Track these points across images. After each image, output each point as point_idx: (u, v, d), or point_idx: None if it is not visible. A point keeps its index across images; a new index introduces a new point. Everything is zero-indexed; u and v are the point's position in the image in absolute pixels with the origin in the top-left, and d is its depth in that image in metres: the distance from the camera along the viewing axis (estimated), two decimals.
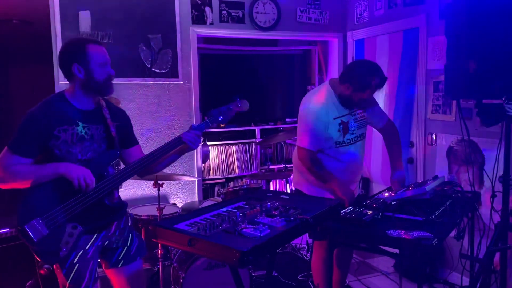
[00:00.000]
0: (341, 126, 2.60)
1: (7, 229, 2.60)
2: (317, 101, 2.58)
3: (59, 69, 3.82)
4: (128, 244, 2.19)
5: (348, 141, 2.65)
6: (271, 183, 5.03)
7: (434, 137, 3.65)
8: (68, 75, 1.99)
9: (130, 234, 2.21)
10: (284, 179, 5.05)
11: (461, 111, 2.86)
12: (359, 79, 2.48)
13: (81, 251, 1.98)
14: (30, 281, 2.37)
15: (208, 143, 4.76)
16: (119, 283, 2.20)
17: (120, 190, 2.23)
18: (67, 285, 1.98)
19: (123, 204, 2.19)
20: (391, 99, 4.10)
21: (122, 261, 2.17)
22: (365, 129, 2.79)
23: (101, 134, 2.05)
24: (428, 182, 2.59)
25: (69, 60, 1.95)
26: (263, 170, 5.03)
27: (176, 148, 2.09)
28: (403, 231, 2.05)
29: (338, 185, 2.56)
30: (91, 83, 1.96)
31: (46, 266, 2.36)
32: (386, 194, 2.53)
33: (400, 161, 2.83)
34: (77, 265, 1.97)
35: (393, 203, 2.40)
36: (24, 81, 7.59)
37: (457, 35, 2.56)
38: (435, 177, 2.77)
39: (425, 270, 3.39)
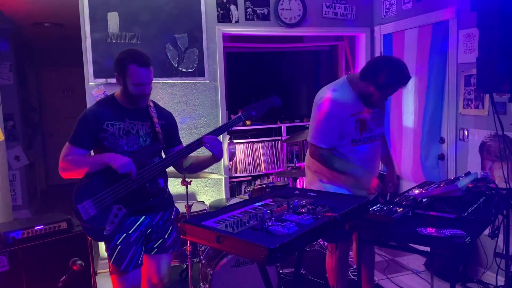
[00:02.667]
0: (358, 123, 2.49)
1: (42, 226, 2.68)
2: (333, 96, 2.45)
3: (89, 70, 3.93)
4: (166, 236, 2.35)
5: (365, 139, 2.55)
6: (297, 180, 5.00)
7: (466, 133, 3.55)
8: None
9: (171, 227, 2.38)
10: None
11: (495, 105, 2.77)
12: (382, 78, 2.34)
13: (125, 234, 2.18)
14: (64, 277, 2.43)
15: (235, 141, 4.78)
16: (147, 269, 2.36)
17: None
18: (110, 264, 2.21)
19: (166, 194, 2.37)
20: (421, 94, 4.01)
21: (156, 249, 2.34)
22: (383, 128, 2.69)
23: (146, 130, 2.25)
24: (460, 178, 2.52)
25: (114, 69, 2.21)
26: (289, 168, 5.01)
27: (197, 148, 2.21)
28: (434, 229, 2.01)
29: (360, 175, 2.46)
30: (126, 93, 2.20)
31: (79, 262, 2.43)
32: (417, 191, 2.48)
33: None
34: (119, 246, 2.17)
35: (423, 200, 2.35)
36: (55, 82, 7.81)
37: (489, 27, 2.48)
38: (468, 174, 2.70)
39: (457, 269, 3.31)
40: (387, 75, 2.34)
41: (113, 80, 3.77)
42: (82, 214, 2.09)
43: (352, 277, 3.34)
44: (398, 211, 2.21)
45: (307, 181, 2.78)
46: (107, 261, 2.27)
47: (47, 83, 7.81)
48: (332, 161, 2.49)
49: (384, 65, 2.40)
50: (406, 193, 2.58)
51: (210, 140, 2.15)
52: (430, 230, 2.00)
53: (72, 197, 2.12)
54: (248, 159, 4.92)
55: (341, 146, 2.52)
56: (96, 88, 3.81)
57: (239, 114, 2.25)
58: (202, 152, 2.36)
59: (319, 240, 4.19)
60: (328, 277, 2.87)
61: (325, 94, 2.50)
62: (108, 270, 2.30)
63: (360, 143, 2.53)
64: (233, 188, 4.87)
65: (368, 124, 2.53)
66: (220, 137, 4.16)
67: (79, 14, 3.77)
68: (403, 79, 2.38)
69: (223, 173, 4.26)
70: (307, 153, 2.72)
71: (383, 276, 3.59)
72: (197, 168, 2.40)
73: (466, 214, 2.18)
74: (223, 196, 4.33)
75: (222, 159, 4.27)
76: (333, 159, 2.50)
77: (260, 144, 4.97)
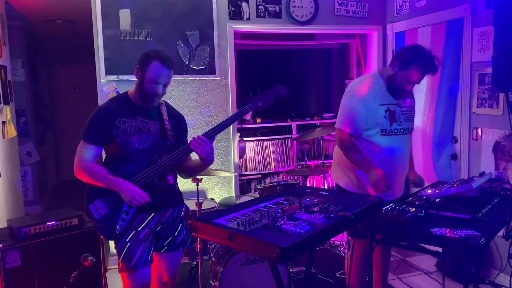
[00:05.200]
0: (387, 113, 2.54)
1: (54, 222, 2.69)
2: (364, 85, 2.56)
3: (101, 67, 3.93)
4: (176, 234, 2.35)
5: (396, 131, 2.58)
6: (308, 179, 4.99)
7: (480, 132, 3.50)
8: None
9: (180, 224, 2.37)
10: (322, 175, 4.99)
11: (510, 104, 2.73)
12: (404, 54, 2.50)
13: (134, 232, 2.18)
14: (75, 273, 2.44)
15: (245, 138, 4.77)
16: (157, 266, 2.36)
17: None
18: (120, 262, 2.20)
19: (176, 190, 2.38)
20: (433, 93, 3.96)
21: (166, 247, 2.33)
22: (412, 124, 2.72)
23: (156, 129, 2.25)
24: (475, 178, 2.49)
25: (138, 61, 2.20)
26: (299, 166, 5.00)
27: (189, 152, 2.20)
28: (448, 229, 1.98)
29: (369, 170, 2.47)
30: (140, 88, 2.20)
31: (90, 258, 2.43)
32: (429, 191, 2.45)
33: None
34: (129, 244, 2.17)
35: (437, 200, 2.32)
36: (66, 79, 7.86)
37: (506, 24, 2.45)
38: (482, 174, 2.66)
39: (470, 270, 3.27)
40: (408, 51, 2.51)
41: (125, 77, 3.79)
42: (93, 214, 2.12)
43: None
44: (411, 211, 2.19)
45: (335, 176, 2.80)
46: (117, 257, 2.27)
47: (58, 80, 7.86)
48: (348, 148, 2.55)
49: (408, 45, 2.64)
50: (419, 193, 2.55)
51: (197, 140, 2.12)
52: (444, 231, 1.98)
53: (83, 197, 2.14)
54: (258, 157, 4.91)
55: (371, 135, 2.55)
56: (107, 85, 3.82)
57: (250, 116, 2.25)
58: None
59: (330, 240, 4.17)
60: (346, 277, 2.84)
61: (356, 83, 2.62)
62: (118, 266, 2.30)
63: (390, 133, 2.57)
64: (243, 186, 4.86)
65: (397, 116, 2.58)
66: (230, 134, 4.20)
67: (91, 11, 3.79)
68: (422, 57, 2.46)
69: (233, 171, 4.26)
70: (336, 147, 2.79)
71: (393, 276, 3.55)
72: (192, 171, 2.40)
73: (480, 214, 2.15)
74: (233, 194, 4.33)
75: (232, 157, 4.27)
76: (351, 146, 2.55)
77: (270, 142, 4.96)
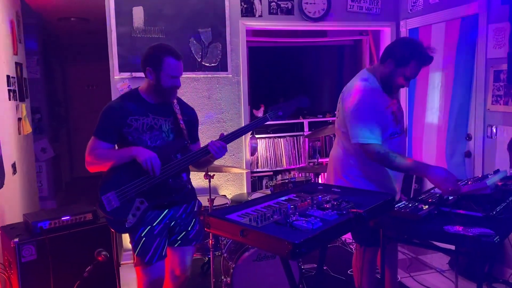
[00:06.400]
0: (393, 115, 2.45)
1: (68, 217, 2.73)
2: (369, 89, 2.37)
3: (114, 64, 3.98)
4: (189, 228, 2.38)
5: (399, 131, 2.50)
6: (319, 176, 4.98)
7: (494, 130, 3.46)
8: (144, 72, 2.23)
9: (194, 219, 2.41)
10: None
11: None
12: (401, 51, 2.33)
13: (149, 227, 2.21)
14: (89, 267, 2.48)
15: (256, 136, 4.78)
16: (170, 261, 2.39)
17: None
18: (135, 256, 2.24)
19: (189, 189, 2.41)
20: (447, 90, 3.92)
21: (179, 242, 2.37)
22: (404, 121, 2.63)
23: (169, 126, 2.27)
24: (489, 176, 2.46)
25: (146, 63, 2.20)
26: (311, 163, 4.99)
27: (207, 155, 2.23)
28: (461, 227, 1.96)
29: (427, 170, 2.22)
30: (157, 87, 2.21)
31: (104, 253, 2.47)
32: None
33: None
34: (144, 239, 2.20)
35: (450, 197, 2.30)
36: (80, 76, 7.94)
37: None
38: (497, 171, 2.63)
39: (484, 269, 3.24)
40: (403, 47, 2.35)
41: (138, 74, 3.81)
42: (105, 206, 2.14)
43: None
44: (424, 208, 2.17)
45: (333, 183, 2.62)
46: (130, 252, 2.31)
47: (72, 77, 7.95)
48: (392, 157, 2.27)
49: (400, 40, 2.53)
50: (432, 190, 2.52)
51: (217, 145, 2.18)
52: (458, 228, 1.96)
53: (97, 188, 2.16)
54: (269, 154, 4.91)
55: (382, 141, 2.35)
56: (121, 82, 3.86)
57: (262, 114, 2.26)
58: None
59: (341, 237, 4.16)
60: (354, 277, 2.83)
61: (359, 89, 2.39)
62: (131, 261, 2.33)
63: (396, 136, 2.47)
64: (255, 183, 4.87)
65: (398, 116, 2.49)
66: None
67: (104, 9, 3.82)
68: (420, 51, 2.32)
69: (245, 168, 4.27)
70: (335, 156, 2.63)
71: (406, 274, 3.54)
72: (200, 165, 2.46)
73: (494, 212, 2.12)
74: (245, 191, 4.34)
75: (244, 154, 4.28)
76: (393, 154, 2.28)
77: (282, 139, 4.96)
